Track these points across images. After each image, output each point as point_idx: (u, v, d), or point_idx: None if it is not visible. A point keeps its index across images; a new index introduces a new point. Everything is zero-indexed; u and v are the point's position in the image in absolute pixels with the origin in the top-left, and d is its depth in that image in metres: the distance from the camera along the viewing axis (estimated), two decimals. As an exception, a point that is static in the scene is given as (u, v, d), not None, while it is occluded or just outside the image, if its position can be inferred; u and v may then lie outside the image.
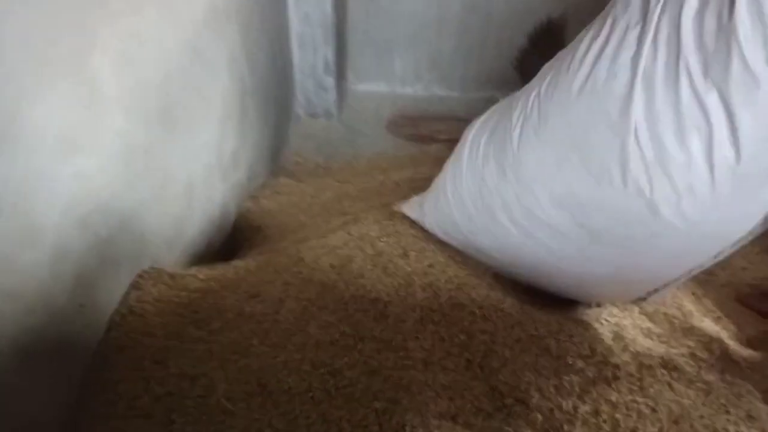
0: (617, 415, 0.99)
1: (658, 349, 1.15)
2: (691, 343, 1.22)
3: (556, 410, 0.98)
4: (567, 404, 1.00)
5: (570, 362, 1.08)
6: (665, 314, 1.31)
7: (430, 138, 2.27)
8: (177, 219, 1.43)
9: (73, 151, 1.03)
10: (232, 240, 1.75)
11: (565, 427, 0.96)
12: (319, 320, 1.14)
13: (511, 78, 2.52)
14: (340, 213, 1.72)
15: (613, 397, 1.02)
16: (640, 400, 1.03)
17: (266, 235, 1.72)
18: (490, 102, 2.53)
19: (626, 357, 1.08)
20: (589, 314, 1.21)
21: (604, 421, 0.99)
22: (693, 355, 1.17)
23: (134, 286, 1.24)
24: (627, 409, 1.01)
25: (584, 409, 0.99)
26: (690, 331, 1.27)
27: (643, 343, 1.14)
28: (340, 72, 2.41)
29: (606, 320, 1.19)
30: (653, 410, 1.03)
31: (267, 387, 1.06)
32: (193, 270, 1.36)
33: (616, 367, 1.06)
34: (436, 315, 1.16)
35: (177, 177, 1.41)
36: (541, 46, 2.47)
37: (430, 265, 1.30)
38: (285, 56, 2.17)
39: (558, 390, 1.02)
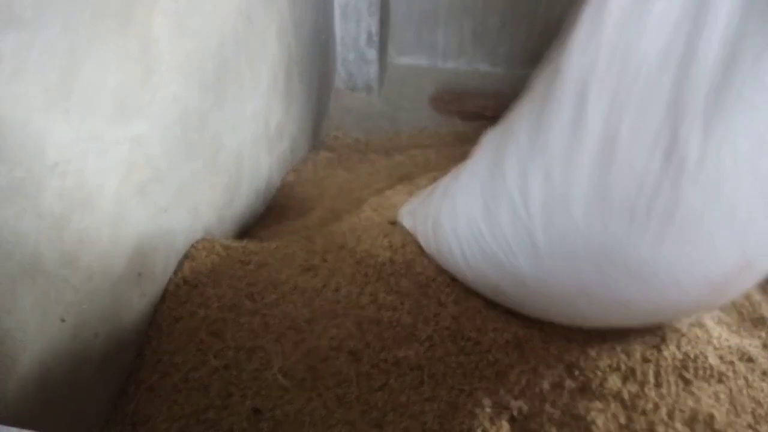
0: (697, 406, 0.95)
1: (733, 339, 1.10)
2: (762, 334, 1.17)
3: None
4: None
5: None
6: (733, 303, 1.26)
7: (477, 115, 2.21)
8: (227, 189, 1.40)
9: (132, 115, 0.99)
10: (274, 211, 1.72)
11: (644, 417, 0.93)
12: (375, 299, 1.10)
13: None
14: (386, 186, 1.68)
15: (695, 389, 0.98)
16: (721, 391, 0.99)
17: (309, 208, 1.69)
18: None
19: (707, 347, 1.03)
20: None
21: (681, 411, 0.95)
22: (765, 347, 1.13)
23: (188, 256, 1.22)
24: (710, 398, 0.97)
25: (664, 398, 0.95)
26: (760, 321, 1.22)
27: (720, 332, 1.09)
28: (382, 45, 2.35)
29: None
30: (732, 404, 0.99)
31: (316, 369, 1.03)
32: (245, 242, 1.33)
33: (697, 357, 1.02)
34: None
35: (228, 147, 1.38)
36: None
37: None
38: (328, 28, 2.12)
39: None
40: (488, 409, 0.91)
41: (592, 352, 0.98)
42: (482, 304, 1.02)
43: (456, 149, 1.84)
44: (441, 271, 1.10)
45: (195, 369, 1.07)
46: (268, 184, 1.68)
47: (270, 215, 1.68)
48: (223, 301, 1.16)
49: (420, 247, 1.20)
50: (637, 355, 1.00)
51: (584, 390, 0.96)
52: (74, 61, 0.84)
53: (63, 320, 0.88)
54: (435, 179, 1.39)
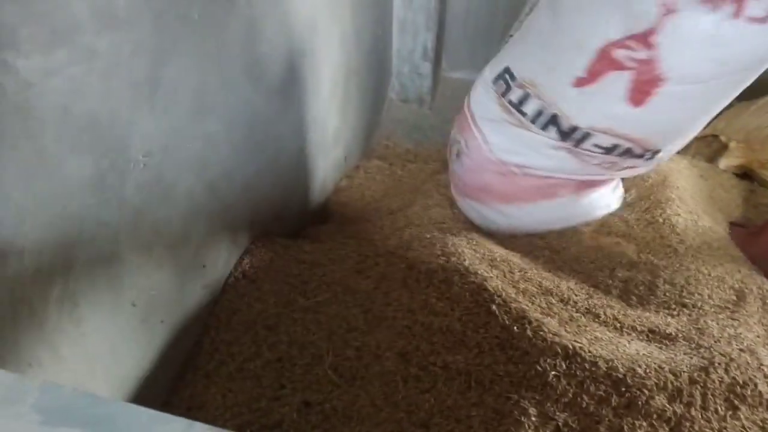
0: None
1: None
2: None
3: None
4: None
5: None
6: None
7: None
8: (285, 190, 1.45)
9: (207, 114, 1.05)
10: (327, 215, 1.77)
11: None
12: (426, 305, 1.13)
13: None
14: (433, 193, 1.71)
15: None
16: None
17: (360, 215, 1.73)
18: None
19: (757, 374, 1.03)
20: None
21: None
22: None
23: (248, 252, 1.27)
24: (756, 427, 0.97)
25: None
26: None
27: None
28: (437, 59, 2.39)
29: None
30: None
31: (366, 367, 1.06)
32: (301, 241, 1.37)
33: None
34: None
35: (289, 149, 1.43)
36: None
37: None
38: (386, 40, 2.17)
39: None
40: (534, 419, 0.93)
41: (640, 371, 0.99)
42: (533, 315, 1.04)
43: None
44: (492, 279, 1.12)
45: (249, 360, 1.12)
46: (323, 187, 1.72)
47: (323, 218, 1.72)
48: (278, 296, 1.20)
49: (473, 256, 1.22)
50: (685, 376, 1.00)
51: (630, 407, 0.96)
52: (161, 59, 0.89)
53: (134, 304, 0.93)
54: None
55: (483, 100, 1.42)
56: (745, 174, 1.76)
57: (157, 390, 1.05)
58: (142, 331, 0.97)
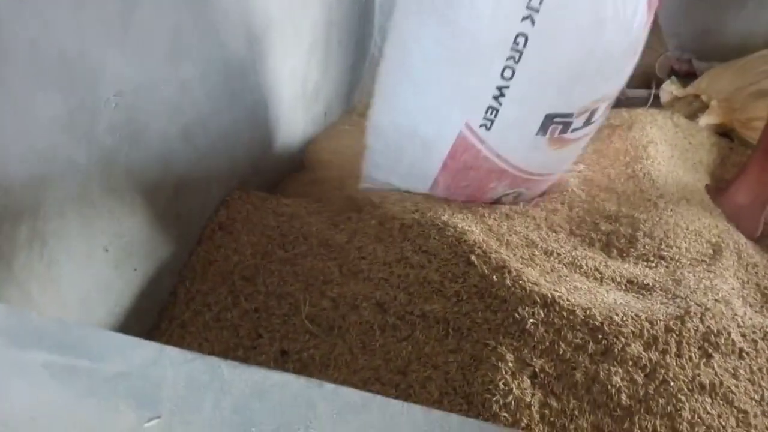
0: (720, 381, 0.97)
1: (757, 318, 1.11)
2: (788, 318, 1.17)
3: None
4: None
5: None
6: (758, 285, 1.26)
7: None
8: (263, 143, 1.42)
9: (181, 57, 1.02)
10: (306, 169, 1.74)
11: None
12: (401, 257, 1.12)
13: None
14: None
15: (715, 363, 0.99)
16: (741, 367, 1.00)
17: (339, 170, 1.70)
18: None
19: (731, 323, 1.04)
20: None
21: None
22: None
23: (225, 203, 1.25)
24: (728, 374, 0.98)
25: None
26: (785, 304, 1.23)
27: (745, 311, 1.10)
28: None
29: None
30: (751, 381, 1.01)
31: (343, 317, 1.05)
32: (279, 195, 1.36)
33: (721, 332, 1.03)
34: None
35: (267, 101, 1.40)
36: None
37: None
38: (367, 13, 2.12)
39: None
40: (511, 364, 0.93)
41: (617, 319, 1.00)
42: (513, 265, 1.04)
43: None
44: (473, 232, 1.11)
45: (226, 309, 1.11)
46: (302, 143, 1.70)
47: (301, 173, 1.70)
48: (256, 248, 1.18)
49: (453, 212, 1.21)
50: (661, 325, 1.01)
51: (606, 354, 0.97)
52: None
53: (106, 250, 0.91)
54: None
55: None
56: (724, 133, 1.76)
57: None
58: (115, 278, 0.95)
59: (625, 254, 1.22)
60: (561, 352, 0.96)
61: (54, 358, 0.42)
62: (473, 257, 1.05)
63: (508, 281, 1.01)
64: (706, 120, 1.73)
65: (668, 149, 1.60)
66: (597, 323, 0.99)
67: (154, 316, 1.09)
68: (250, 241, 1.20)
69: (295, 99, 1.58)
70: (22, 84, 0.70)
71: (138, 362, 0.43)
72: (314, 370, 1.01)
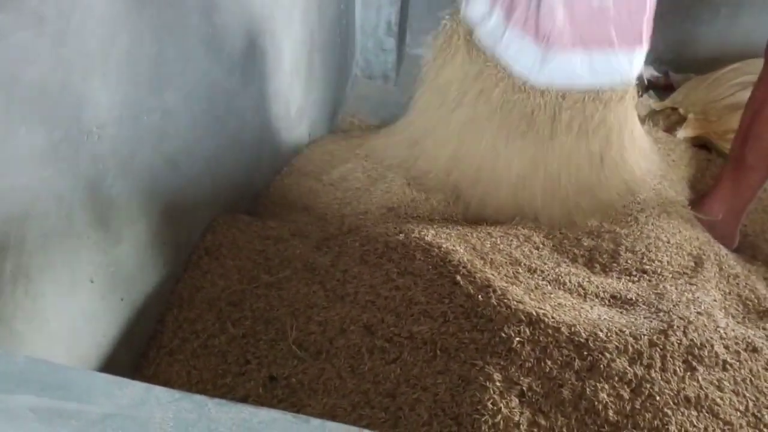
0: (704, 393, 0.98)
1: (739, 329, 1.12)
2: (767, 326, 1.19)
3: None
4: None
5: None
6: (739, 296, 1.28)
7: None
8: (248, 167, 1.43)
9: (164, 85, 1.02)
10: (290, 191, 1.75)
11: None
12: (387, 279, 1.12)
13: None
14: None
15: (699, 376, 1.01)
16: (725, 379, 1.02)
17: (321, 192, 1.71)
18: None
19: (714, 335, 1.06)
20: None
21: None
22: (770, 339, 1.15)
23: (210, 229, 1.25)
24: (713, 386, 0.99)
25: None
26: (765, 314, 1.25)
27: (727, 323, 1.12)
28: (401, 35, 2.37)
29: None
30: (735, 392, 1.02)
31: (331, 341, 1.06)
32: (264, 218, 1.36)
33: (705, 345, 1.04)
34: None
35: (251, 125, 1.41)
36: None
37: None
38: (349, 15, 2.14)
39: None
40: (499, 384, 0.94)
41: (601, 335, 1.01)
42: (498, 284, 1.05)
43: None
44: (457, 252, 1.13)
45: (214, 336, 1.11)
46: (287, 164, 1.70)
47: (286, 194, 1.70)
48: (242, 272, 1.19)
49: (437, 233, 1.22)
50: (645, 339, 1.03)
51: (592, 370, 0.98)
52: (113, 28, 0.87)
53: (92, 281, 0.91)
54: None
55: None
56: (702, 145, 1.80)
57: (118, 369, 1.03)
58: (102, 308, 0.95)
59: (607, 269, 1.24)
60: (548, 370, 0.97)
61: (41, 401, 0.43)
62: (458, 277, 1.06)
63: (493, 300, 1.02)
64: (684, 133, 1.76)
65: (646, 159, 1.63)
66: (582, 340, 1.00)
67: (142, 344, 1.09)
68: (236, 265, 1.20)
69: (279, 121, 1.59)
70: (3, 117, 0.70)
71: (125, 403, 0.43)
72: (303, 395, 1.01)
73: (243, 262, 1.21)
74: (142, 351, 1.09)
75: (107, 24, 0.85)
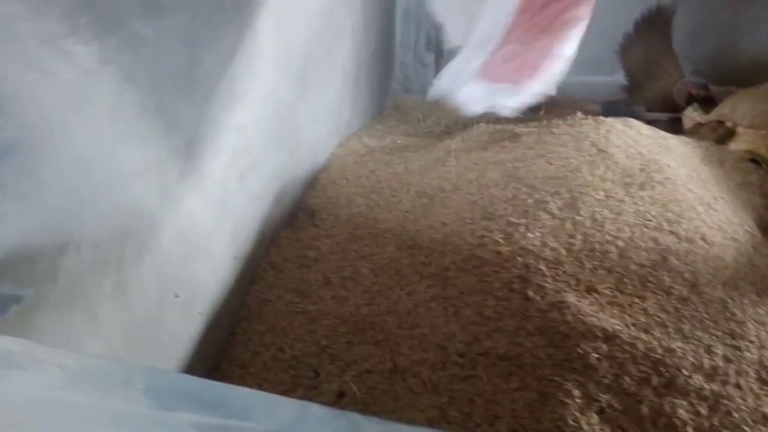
0: None
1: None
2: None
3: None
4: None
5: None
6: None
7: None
8: (304, 181, 1.45)
9: (237, 102, 1.04)
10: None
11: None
12: (458, 293, 1.13)
13: (613, 64, 2.46)
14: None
15: None
16: None
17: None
18: (589, 87, 2.48)
19: None
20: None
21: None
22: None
23: (275, 243, 1.26)
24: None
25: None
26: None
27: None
28: (439, 49, 2.39)
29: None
30: None
31: (402, 356, 1.06)
32: (325, 229, 1.36)
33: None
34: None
35: (307, 138, 1.42)
36: (647, 35, 2.40)
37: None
38: (390, 30, 2.16)
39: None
40: (578, 401, 0.94)
41: (678, 351, 1.00)
42: (572, 299, 1.05)
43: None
44: (527, 266, 1.13)
45: (282, 349, 1.11)
46: (341, 176, 1.71)
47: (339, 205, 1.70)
48: (307, 286, 1.19)
49: (507, 241, 1.21)
50: (720, 355, 1.02)
51: (670, 387, 0.98)
52: (198, 47, 0.88)
53: (177, 296, 0.92)
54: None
55: None
56: (752, 159, 1.78)
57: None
58: (183, 322, 0.96)
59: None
60: (625, 386, 0.97)
61: (203, 418, 0.43)
62: (530, 293, 1.06)
63: (568, 316, 1.02)
64: (734, 147, 1.75)
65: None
66: (658, 356, 1.00)
67: (213, 357, 1.10)
68: (301, 279, 1.21)
69: (331, 134, 1.61)
70: (108, 137, 0.72)
71: (285, 419, 0.44)
72: (375, 410, 1.01)
73: (307, 275, 1.22)
74: (214, 364, 1.10)
75: (193, 44, 0.87)
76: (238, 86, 1.03)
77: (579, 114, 1.75)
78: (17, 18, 0.55)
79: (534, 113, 1.97)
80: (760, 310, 1.14)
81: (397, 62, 2.34)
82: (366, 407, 1.02)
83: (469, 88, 1.28)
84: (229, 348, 1.12)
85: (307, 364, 1.09)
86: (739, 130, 1.76)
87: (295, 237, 1.30)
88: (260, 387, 1.07)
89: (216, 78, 0.96)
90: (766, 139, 1.71)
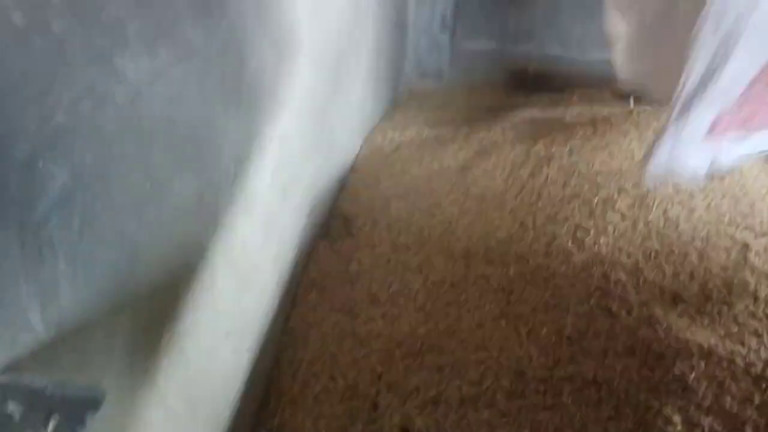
0: None
1: None
2: None
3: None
4: None
5: None
6: None
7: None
8: (337, 186, 1.33)
9: (279, 109, 0.92)
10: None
11: None
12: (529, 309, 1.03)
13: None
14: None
15: None
16: None
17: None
18: (608, 64, 2.37)
19: None
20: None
21: None
22: None
23: (313, 257, 1.15)
24: None
25: None
26: None
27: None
28: (453, 30, 2.26)
29: None
30: None
31: (475, 383, 0.97)
32: (366, 238, 1.24)
33: None
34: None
35: (340, 139, 1.31)
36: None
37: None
38: (404, 13, 2.03)
39: None
40: (679, 427, 0.85)
41: (778, 365, 0.92)
42: (659, 313, 0.95)
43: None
44: (606, 276, 1.03)
45: (334, 378, 1.01)
46: (371, 173, 1.59)
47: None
48: (355, 302, 1.09)
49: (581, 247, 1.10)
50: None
51: (774, 405, 0.89)
52: (244, 52, 0.76)
53: (228, 335, 0.81)
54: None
55: None
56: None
57: (245, 420, 0.93)
58: (233, 363, 0.85)
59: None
60: (728, 407, 0.88)
61: None
62: (614, 308, 0.96)
63: (660, 333, 0.92)
64: None
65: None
66: (758, 371, 0.91)
67: (263, 391, 0.99)
68: (346, 295, 1.10)
69: (358, 132, 1.49)
70: (162, 166, 0.60)
71: None
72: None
73: (352, 292, 1.11)
74: (262, 400, 0.99)
75: (240, 43, 0.75)
76: (279, 89, 0.91)
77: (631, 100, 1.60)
78: (65, 35, 0.43)
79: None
80: None
81: (411, 46, 2.21)
82: (436, 441, 0.92)
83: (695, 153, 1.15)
84: (275, 381, 1.01)
85: (363, 395, 0.99)
86: None
87: (333, 249, 1.19)
88: (314, 424, 0.97)
89: (260, 82, 0.84)
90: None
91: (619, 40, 1.42)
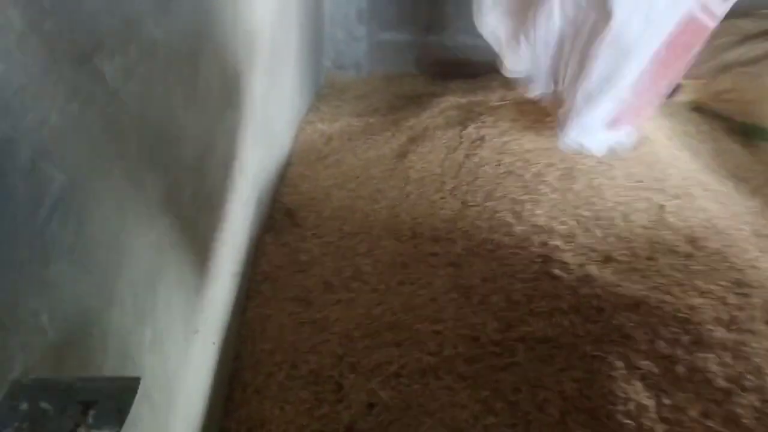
0: None
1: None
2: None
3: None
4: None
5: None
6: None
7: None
8: (276, 178, 1.35)
9: (227, 100, 0.93)
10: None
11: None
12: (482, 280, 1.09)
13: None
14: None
15: None
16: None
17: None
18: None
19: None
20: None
21: None
22: None
23: (262, 250, 1.16)
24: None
25: None
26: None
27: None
28: (369, 22, 2.30)
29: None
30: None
31: (433, 354, 1.02)
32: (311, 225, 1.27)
33: None
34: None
35: (277, 130, 1.33)
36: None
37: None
38: (320, 4, 2.05)
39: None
40: (622, 372, 0.94)
41: (699, 307, 1.02)
42: (595, 272, 1.04)
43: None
44: (545, 243, 1.11)
45: (295, 366, 1.03)
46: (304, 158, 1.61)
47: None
48: (310, 291, 1.12)
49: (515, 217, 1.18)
50: (733, 305, 1.05)
51: (698, 343, 1.00)
52: (198, 43, 0.77)
53: (196, 331, 0.82)
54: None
55: None
56: (697, 108, 1.85)
57: (215, 417, 0.94)
58: (203, 357, 0.86)
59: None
60: (661, 350, 0.97)
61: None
62: (557, 271, 1.04)
63: (597, 289, 1.01)
64: (681, 99, 1.81)
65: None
66: (684, 315, 1.01)
67: (225, 385, 1.00)
68: (301, 285, 1.13)
69: (290, 123, 1.51)
70: (136, 168, 0.61)
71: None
72: (415, 413, 0.96)
73: (305, 281, 1.14)
74: (228, 392, 1.00)
75: (194, 37, 0.76)
76: (228, 82, 0.92)
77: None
78: (52, 34, 0.43)
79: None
80: (755, 254, 1.19)
81: (327, 38, 2.23)
82: (405, 412, 0.97)
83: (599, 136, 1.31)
84: (238, 373, 1.02)
85: (327, 378, 1.02)
86: (684, 82, 1.82)
87: (280, 242, 1.20)
88: (281, 410, 0.99)
89: (212, 76, 0.84)
90: (708, 87, 1.78)
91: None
